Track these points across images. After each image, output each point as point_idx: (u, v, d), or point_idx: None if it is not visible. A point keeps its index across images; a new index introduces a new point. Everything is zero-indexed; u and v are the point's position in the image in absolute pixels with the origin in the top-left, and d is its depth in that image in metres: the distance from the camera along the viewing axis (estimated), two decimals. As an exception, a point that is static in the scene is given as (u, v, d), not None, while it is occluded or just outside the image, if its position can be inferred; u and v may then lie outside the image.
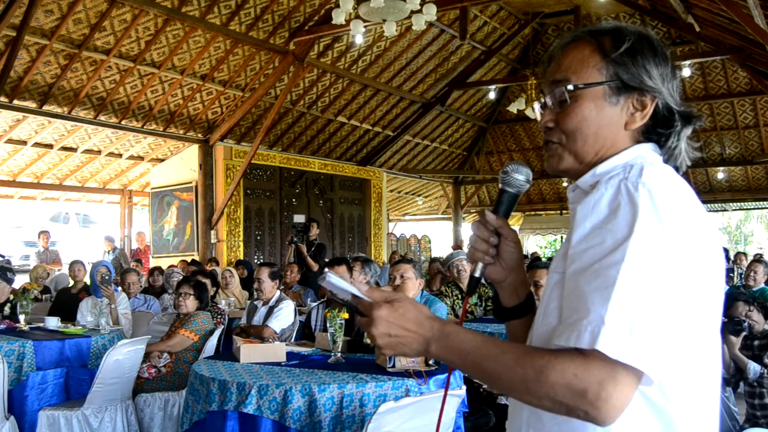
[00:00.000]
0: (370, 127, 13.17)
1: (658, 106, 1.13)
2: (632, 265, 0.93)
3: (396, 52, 11.48)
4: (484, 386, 3.80)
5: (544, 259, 12.33)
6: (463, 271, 5.52)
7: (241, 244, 11.12)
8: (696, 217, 1.01)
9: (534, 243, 22.26)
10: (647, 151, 1.13)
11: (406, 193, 18.59)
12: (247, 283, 7.96)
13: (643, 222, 0.95)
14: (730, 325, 3.79)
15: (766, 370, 3.74)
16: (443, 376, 3.03)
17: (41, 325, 5.16)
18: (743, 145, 14.96)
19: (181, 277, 6.20)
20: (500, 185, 1.26)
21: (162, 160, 11.74)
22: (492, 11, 11.91)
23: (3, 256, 9.46)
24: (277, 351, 3.59)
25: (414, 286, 4.31)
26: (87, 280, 6.52)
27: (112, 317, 5.33)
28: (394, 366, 3.15)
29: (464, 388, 2.98)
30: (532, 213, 19.69)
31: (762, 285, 6.47)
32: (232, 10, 8.77)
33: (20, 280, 7.76)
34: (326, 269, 1.19)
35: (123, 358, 4.06)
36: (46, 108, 8.71)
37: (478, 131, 16.48)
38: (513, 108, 11.34)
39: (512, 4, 11.83)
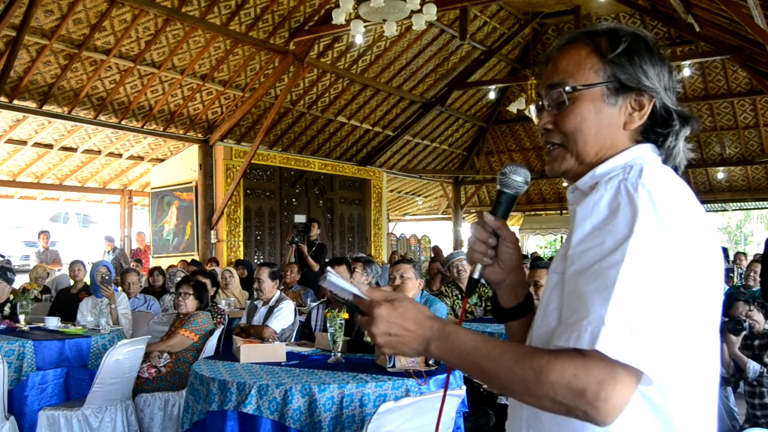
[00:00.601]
0: (370, 127, 13.17)
1: (656, 106, 1.13)
2: (632, 265, 0.93)
3: (396, 52, 11.48)
4: (484, 386, 3.80)
5: (545, 260, 12.33)
6: (463, 271, 5.52)
7: (241, 244, 11.12)
8: (695, 218, 1.01)
9: (534, 243, 22.26)
10: (646, 152, 1.13)
11: (406, 193, 18.59)
12: (247, 283, 7.96)
13: (642, 223, 0.95)
14: (731, 324, 3.79)
15: (765, 370, 3.74)
16: (443, 376, 3.03)
17: (41, 325, 5.16)
18: (743, 145, 14.95)
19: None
20: (498, 186, 1.26)
21: (162, 160, 11.74)
22: (492, 11, 11.90)
23: (3, 256, 9.47)
24: (277, 351, 3.59)
25: (414, 286, 4.32)
26: (87, 280, 6.52)
27: (112, 317, 5.34)
28: (394, 366, 3.15)
29: (464, 388, 2.98)
30: (532, 213, 19.69)
31: (762, 285, 6.47)
32: (232, 10, 8.77)
33: (20, 280, 7.76)
34: (328, 268, 1.19)
35: (123, 358, 4.06)
36: (46, 108, 8.71)
37: (478, 131, 16.49)
38: (513, 108, 11.33)
39: (512, 4, 11.83)
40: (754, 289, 6.36)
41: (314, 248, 8.49)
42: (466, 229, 17.32)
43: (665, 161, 1.15)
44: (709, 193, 16.09)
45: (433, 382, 3.01)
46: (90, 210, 18.76)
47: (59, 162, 11.13)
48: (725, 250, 12.86)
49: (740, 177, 15.97)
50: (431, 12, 7.03)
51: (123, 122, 9.66)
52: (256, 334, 4.59)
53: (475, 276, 1.25)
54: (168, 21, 8.44)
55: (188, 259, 9.79)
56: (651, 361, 0.91)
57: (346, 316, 3.64)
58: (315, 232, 8.70)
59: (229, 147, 10.97)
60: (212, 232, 10.79)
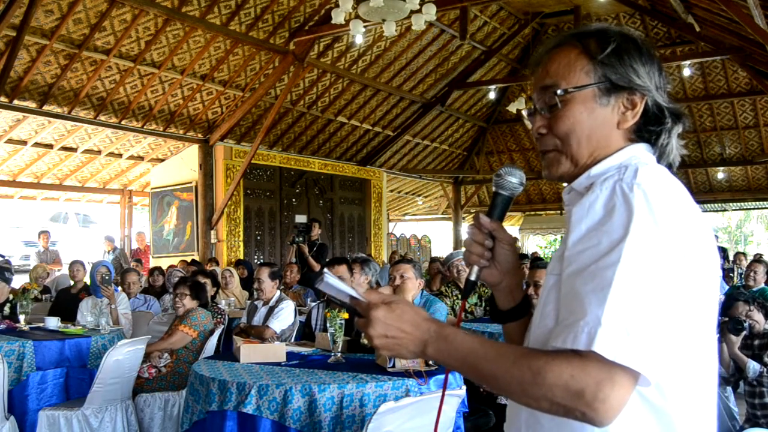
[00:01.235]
0: (370, 127, 13.17)
1: (648, 104, 1.13)
2: (628, 266, 0.93)
3: (396, 52, 11.47)
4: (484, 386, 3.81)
5: (546, 260, 12.32)
6: (463, 271, 5.53)
7: (241, 244, 11.12)
8: (691, 217, 1.01)
9: (534, 243, 22.25)
10: (641, 152, 1.14)
11: (406, 193, 18.59)
12: (247, 283, 7.96)
13: (638, 223, 0.96)
14: (731, 324, 3.80)
15: (765, 370, 3.74)
16: (443, 376, 3.03)
17: (41, 325, 5.16)
18: (743, 145, 14.95)
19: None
20: (494, 188, 1.26)
21: (162, 160, 11.74)
22: (492, 11, 11.90)
23: (3, 256, 9.47)
24: (277, 351, 3.59)
25: (414, 286, 4.31)
26: (87, 280, 6.52)
27: (112, 317, 5.34)
28: (394, 366, 3.16)
29: (464, 388, 2.98)
30: (532, 213, 19.67)
31: (762, 285, 6.47)
32: (232, 10, 8.77)
33: (20, 280, 7.77)
34: (325, 270, 1.19)
35: (123, 358, 4.06)
36: (46, 108, 8.71)
37: (478, 131, 16.48)
38: (513, 108, 11.35)
39: (512, 4, 11.82)
40: (754, 289, 6.36)
41: (315, 248, 8.49)
42: (466, 229, 17.28)
43: (659, 159, 1.15)
44: (709, 193, 16.08)
45: (433, 382, 3.01)
46: (90, 210, 18.77)
47: (59, 162, 11.13)
48: (725, 251, 12.83)
49: (740, 177, 15.96)
50: (431, 12, 7.03)
51: (123, 122, 9.66)
52: (257, 334, 4.59)
53: (472, 278, 1.25)
54: (168, 21, 8.44)
55: (188, 259, 9.79)
56: (648, 362, 0.91)
57: (346, 316, 3.64)
58: (316, 232, 8.70)
59: (229, 147, 10.97)
60: (212, 232, 10.79)
